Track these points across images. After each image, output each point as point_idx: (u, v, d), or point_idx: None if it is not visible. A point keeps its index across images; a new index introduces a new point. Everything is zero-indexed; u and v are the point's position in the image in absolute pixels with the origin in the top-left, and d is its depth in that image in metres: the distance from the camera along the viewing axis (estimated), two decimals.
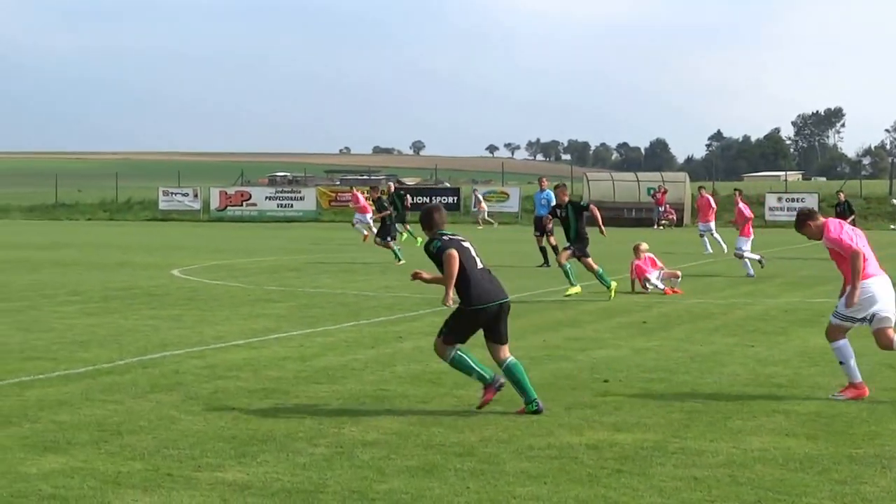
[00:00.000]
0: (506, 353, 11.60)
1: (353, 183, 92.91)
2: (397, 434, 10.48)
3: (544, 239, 32.49)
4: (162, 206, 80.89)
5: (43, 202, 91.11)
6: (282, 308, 21.54)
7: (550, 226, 31.04)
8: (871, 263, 12.36)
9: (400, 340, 16.50)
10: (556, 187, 25.89)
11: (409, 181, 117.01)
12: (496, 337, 11.59)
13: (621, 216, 69.38)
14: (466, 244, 11.76)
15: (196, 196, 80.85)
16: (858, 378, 12.34)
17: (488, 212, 71.64)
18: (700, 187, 45.73)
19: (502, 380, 11.53)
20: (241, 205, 78.25)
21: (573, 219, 23.88)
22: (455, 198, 77.94)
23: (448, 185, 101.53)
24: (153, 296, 23.70)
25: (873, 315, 12.27)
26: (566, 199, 24.45)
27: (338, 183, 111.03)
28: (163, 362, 14.87)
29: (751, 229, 30.74)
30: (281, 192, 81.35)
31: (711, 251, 39.68)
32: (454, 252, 11.45)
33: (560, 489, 8.58)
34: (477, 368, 11.54)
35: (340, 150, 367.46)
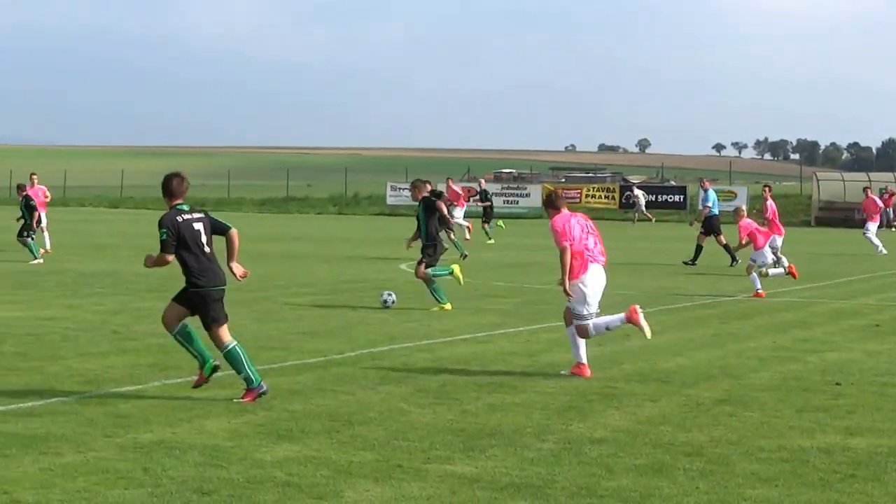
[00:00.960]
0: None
1: (578, 181, 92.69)
2: (625, 432, 10.39)
3: (721, 238, 33.59)
4: (389, 201, 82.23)
5: (274, 196, 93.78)
6: (507, 304, 21.63)
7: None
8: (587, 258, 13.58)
9: (627, 339, 16.37)
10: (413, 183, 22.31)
11: (635, 179, 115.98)
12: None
13: (852, 217, 67.33)
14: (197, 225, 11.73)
15: None
16: (585, 359, 13.60)
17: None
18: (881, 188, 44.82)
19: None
20: (468, 200, 78.95)
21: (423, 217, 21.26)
22: (681, 196, 76.90)
23: (674, 183, 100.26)
24: (381, 289, 24.11)
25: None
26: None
27: (563, 180, 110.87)
28: (391, 355, 15.10)
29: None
30: (507, 188, 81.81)
31: None
32: None
33: (792, 493, 8.36)
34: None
35: (566, 148, 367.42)
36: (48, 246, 33.35)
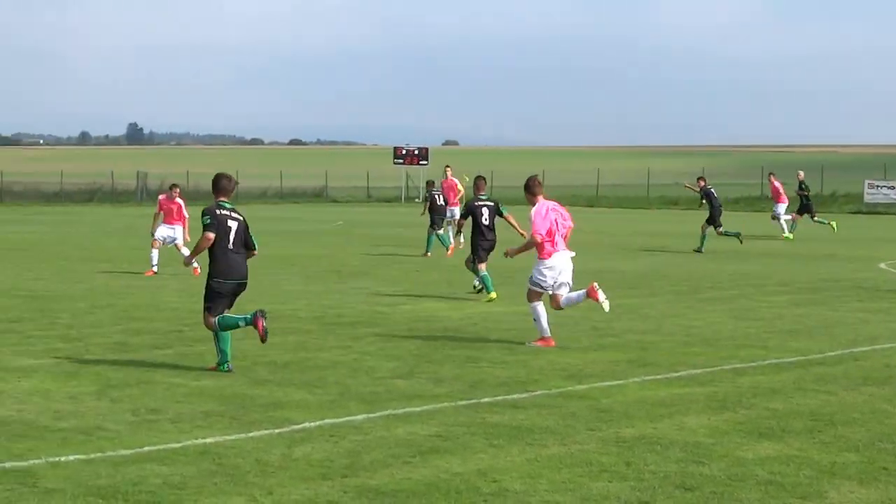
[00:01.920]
0: None
1: None
2: None
3: None
4: (867, 199, 79.10)
5: (748, 195, 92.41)
6: None
7: None
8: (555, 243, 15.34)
9: None
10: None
11: None
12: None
13: None
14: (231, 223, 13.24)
15: None
16: (547, 333, 15.39)
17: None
18: None
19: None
20: None
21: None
22: None
23: None
24: (861, 288, 23.24)
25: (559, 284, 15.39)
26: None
27: None
28: (872, 355, 14.55)
29: None
30: None
31: None
32: None
33: None
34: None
35: None
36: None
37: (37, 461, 8.86)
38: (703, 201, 36.44)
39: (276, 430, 10.02)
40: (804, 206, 43.93)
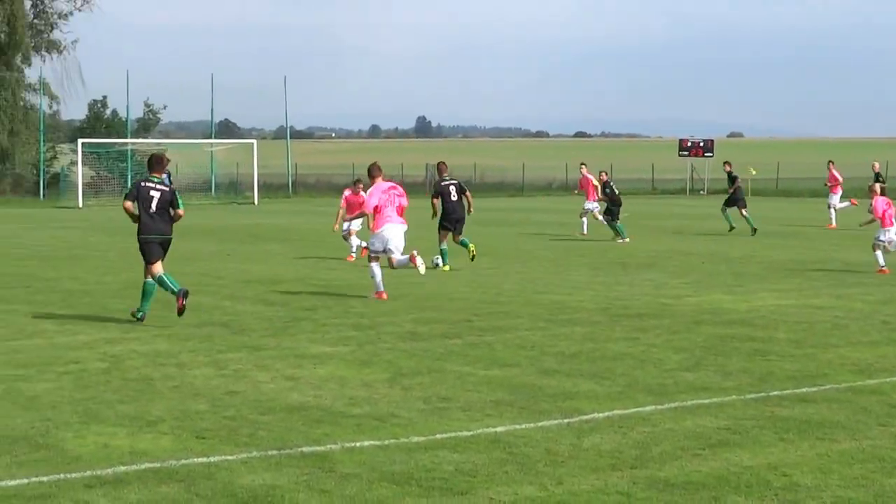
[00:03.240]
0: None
1: None
2: None
3: None
4: None
5: None
6: None
7: None
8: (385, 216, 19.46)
9: None
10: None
11: None
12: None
13: None
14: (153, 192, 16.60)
15: None
16: (380, 288, 19.27)
17: None
18: None
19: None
20: None
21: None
22: None
23: None
24: None
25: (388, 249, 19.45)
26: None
27: None
28: None
29: None
30: None
31: None
32: None
33: None
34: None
35: None
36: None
37: (333, 446, 9.24)
38: None
39: (566, 420, 10.13)
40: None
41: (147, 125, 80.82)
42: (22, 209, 57.54)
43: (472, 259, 24.57)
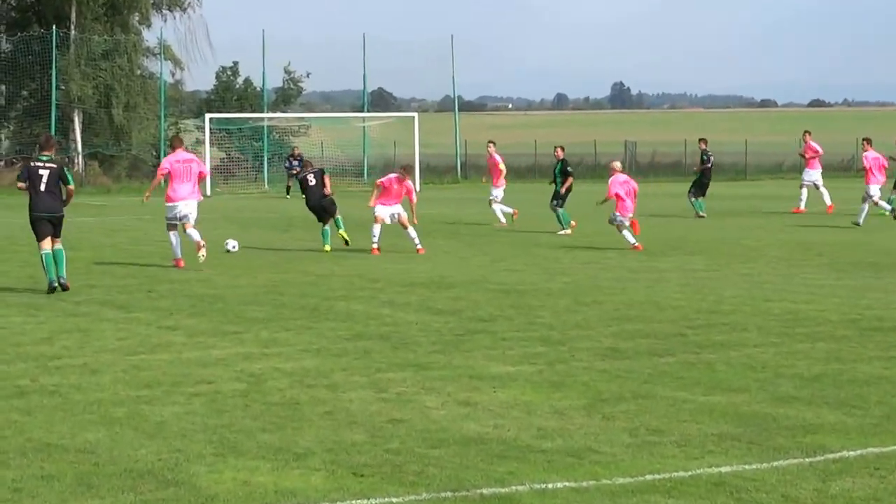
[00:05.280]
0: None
1: None
2: None
3: None
4: None
5: None
6: None
7: None
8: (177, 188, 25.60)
9: None
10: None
11: None
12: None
13: None
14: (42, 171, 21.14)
15: None
16: (177, 255, 25.52)
17: None
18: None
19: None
20: None
21: None
22: None
23: None
24: None
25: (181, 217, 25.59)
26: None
27: None
28: None
29: None
30: None
31: None
32: None
33: None
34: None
35: None
36: None
37: (520, 487, 9.26)
38: None
39: (808, 460, 10.01)
40: None
41: (287, 96, 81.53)
42: (140, 197, 58.97)
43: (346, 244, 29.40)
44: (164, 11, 76.86)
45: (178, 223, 25.41)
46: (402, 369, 14.18)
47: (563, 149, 36.47)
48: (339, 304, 19.47)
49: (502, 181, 38.55)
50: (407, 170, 30.52)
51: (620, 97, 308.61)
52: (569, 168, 36.08)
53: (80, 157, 69.10)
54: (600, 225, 32.11)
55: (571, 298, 20.32)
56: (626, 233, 29.71)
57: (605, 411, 11.93)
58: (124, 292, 21.45)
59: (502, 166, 38.28)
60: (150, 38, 76.01)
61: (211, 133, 64.34)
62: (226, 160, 68.83)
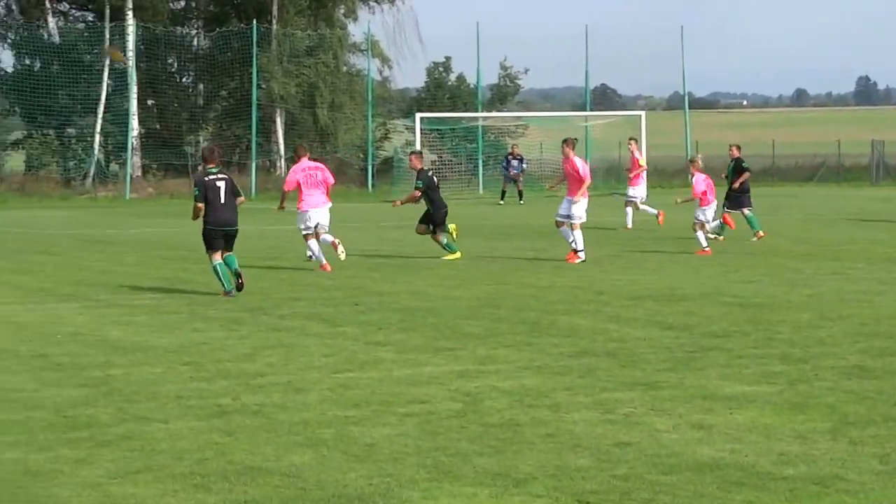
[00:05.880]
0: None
1: None
2: None
3: None
4: None
5: None
6: None
7: None
8: None
9: None
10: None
11: None
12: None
13: None
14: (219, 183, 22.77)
15: None
16: (323, 260, 27.44)
17: None
18: None
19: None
20: None
21: None
22: None
23: None
24: None
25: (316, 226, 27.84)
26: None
27: None
28: None
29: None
30: None
31: None
32: None
33: None
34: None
35: None
36: None
37: None
38: None
39: None
40: None
41: (503, 94, 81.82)
42: (347, 203, 59.75)
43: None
44: (371, 4, 77.61)
45: (312, 231, 27.27)
46: (629, 389, 14.13)
47: (739, 148, 35.97)
48: (561, 319, 19.47)
49: (641, 180, 38.31)
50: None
51: (866, 93, 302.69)
52: (744, 164, 35.39)
53: (283, 160, 70.03)
54: (846, 233, 31.58)
55: (814, 312, 20.02)
56: (700, 235, 30.51)
57: (853, 435, 11.74)
58: (330, 305, 21.74)
59: (643, 162, 38.13)
60: (356, 32, 77.17)
61: (422, 134, 64.75)
62: (437, 162, 69.14)
